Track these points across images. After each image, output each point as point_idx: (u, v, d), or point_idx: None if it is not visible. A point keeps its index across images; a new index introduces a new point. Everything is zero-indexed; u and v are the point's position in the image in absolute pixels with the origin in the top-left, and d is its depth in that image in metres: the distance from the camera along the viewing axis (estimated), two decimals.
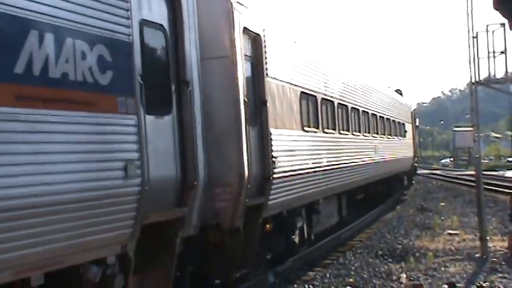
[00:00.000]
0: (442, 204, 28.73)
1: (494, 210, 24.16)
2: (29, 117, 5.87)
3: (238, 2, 10.60)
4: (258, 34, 11.45)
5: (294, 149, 12.89)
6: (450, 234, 18.62)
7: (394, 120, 28.58)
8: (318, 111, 15.18)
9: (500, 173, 53.62)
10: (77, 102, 6.53)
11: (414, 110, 42.53)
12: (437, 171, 66.77)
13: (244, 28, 10.78)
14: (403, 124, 32.07)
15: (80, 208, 6.46)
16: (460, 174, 54.03)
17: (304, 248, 14.78)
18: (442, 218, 22.75)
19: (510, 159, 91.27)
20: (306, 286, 12.39)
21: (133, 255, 7.44)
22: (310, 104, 14.70)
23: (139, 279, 7.92)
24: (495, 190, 32.42)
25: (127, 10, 7.42)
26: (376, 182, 24.49)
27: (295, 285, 12.50)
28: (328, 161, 15.48)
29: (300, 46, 14.45)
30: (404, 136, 32.23)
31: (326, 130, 15.79)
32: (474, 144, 16.30)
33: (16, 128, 5.71)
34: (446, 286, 11.88)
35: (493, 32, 14.68)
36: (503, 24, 14.35)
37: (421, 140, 76.70)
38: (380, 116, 24.75)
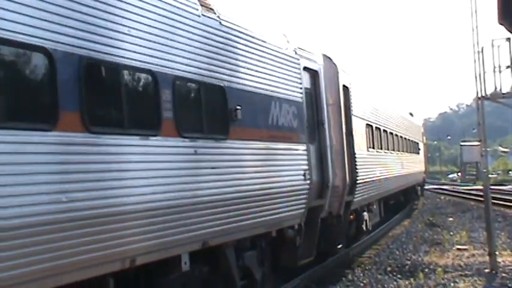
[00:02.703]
0: (451, 219, 28.56)
1: (503, 224, 24.00)
2: (272, 146, 11.18)
3: (341, 69, 16.42)
4: (347, 87, 16.97)
5: (364, 164, 18.11)
6: (459, 249, 18.54)
7: (411, 140, 33.97)
8: (374, 137, 20.91)
9: (509, 187, 53.30)
10: (286, 138, 11.81)
11: (423, 124, 47.63)
12: (445, 186, 66.50)
13: (343, 85, 16.49)
14: (417, 143, 37.88)
15: (287, 196, 11.57)
16: (468, 189, 53.77)
17: (364, 236, 20.29)
18: (451, 233, 22.65)
19: None
20: None
21: (303, 225, 12.52)
22: (370, 131, 20.27)
23: (302, 242, 12.59)
24: (504, 205, 32.14)
25: (300, 83, 12.78)
26: (401, 190, 29.82)
27: None
28: (379, 173, 20.89)
29: (364, 90, 20.22)
30: (418, 153, 38.14)
31: (378, 150, 21.65)
32: (482, 159, 16.20)
33: (267, 152, 11.05)
34: None
35: (498, 46, 14.65)
36: (508, 39, 14.36)
37: (429, 155, 76.53)
38: (404, 138, 30.34)
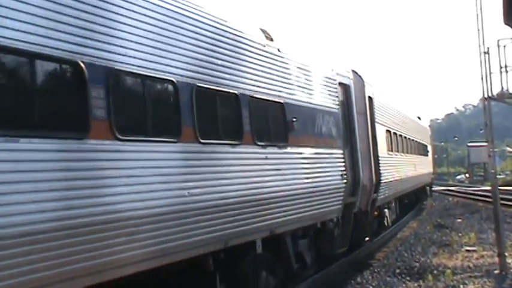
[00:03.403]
0: (459, 220, 28.46)
1: None
2: (318, 151, 13.28)
3: (366, 82, 18.71)
4: (371, 97, 19.31)
5: (386, 165, 20.41)
6: (468, 250, 18.52)
7: (421, 143, 36.84)
8: (392, 141, 23.50)
9: None
10: (327, 144, 13.93)
11: (430, 126, 50.63)
12: (453, 188, 66.31)
13: (368, 96, 18.83)
14: (426, 145, 40.73)
15: (329, 193, 13.65)
16: (476, 190, 53.58)
17: (384, 231, 22.60)
18: (460, 234, 22.65)
19: None
20: None
21: (340, 219, 14.80)
22: (389, 136, 22.82)
23: (339, 233, 14.96)
24: None
25: (337, 97, 15.03)
26: (413, 190, 32.27)
27: None
28: (397, 174, 23.26)
29: (383, 99, 22.77)
30: (427, 155, 41.03)
31: (396, 153, 24.17)
32: (489, 160, 16.18)
33: (314, 156, 13.02)
34: None
35: (504, 46, 14.62)
36: None
37: (436, 156, 76.33)
38: (415, 141, 33.26)
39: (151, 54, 8.10)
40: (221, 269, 9.85)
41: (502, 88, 14.90)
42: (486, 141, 16.63)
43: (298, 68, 12.89)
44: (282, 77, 11.99)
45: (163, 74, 8.31)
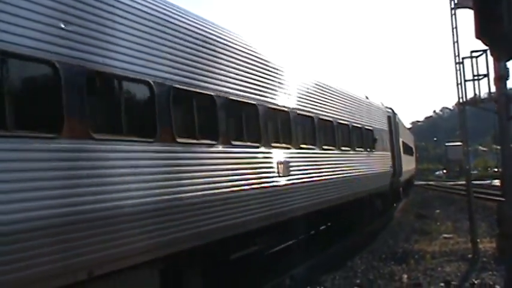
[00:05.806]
0: (438, 211, 28.54)
1: (484, 215, 23.79)
2: (383, 154, 22.92)
3: (396, 114, 28.81)
4: (398, 122, 28.52)
5: (403, 161, 29.94)
6: (445, 238, 18.56)
7: (409, 145, 45.11)
8: (404, 145, 34.22)
9: (488, 182, 53.03)
10: (385, 149, 23.25)
11: (409, 129, 57.55)
12: (432, 182, 66.21)
13: (396, 121, 27.72)
14: (412, 147, 50.55)
15: (386, 175, 23.50)
16: (452, 184, 53.54)
17: (400, 201, 33.03)
18: (438, 223, 22.67)
19: (496, 169, 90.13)
20: (318, 287, 12.31)
21: (389, 190, 25.11)
22: (404, 144, 33.52)
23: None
24: (484, 198, 32.00)
25: (386, 124, 24.56)
26: (408, 178, 41.84)
27: (309, 287, 12.42)
28: (405, 166, 32.88)
29: (400, 122, 33.02)
30: (412, 155, 50.61)
31: (405, 153, 34.84)
32: (464, 157, 16.17)
33: (382, 156, 22.33)
34: (443, 284, 11.79)
35: (476, 57, 14.59)
36: (485, 51, 14.22)
37: (417, 155, 76.15)
38: (408, 145, 43.14)
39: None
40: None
41: (475, 94, 14.88)
42: (461, 141, 16.63)
43: (375, 109, 21.84)
44: (370, 114, 20.74)
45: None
